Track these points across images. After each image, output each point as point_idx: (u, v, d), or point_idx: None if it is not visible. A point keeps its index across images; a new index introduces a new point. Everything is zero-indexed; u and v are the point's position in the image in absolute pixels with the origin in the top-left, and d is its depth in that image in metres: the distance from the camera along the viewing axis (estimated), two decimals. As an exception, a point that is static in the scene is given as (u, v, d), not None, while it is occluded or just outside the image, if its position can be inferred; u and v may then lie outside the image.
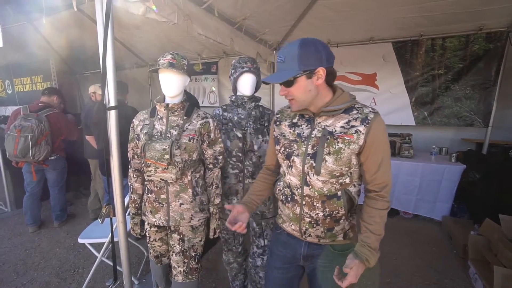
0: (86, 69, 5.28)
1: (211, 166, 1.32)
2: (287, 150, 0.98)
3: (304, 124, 0.97)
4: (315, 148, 0.91)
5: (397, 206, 3.04)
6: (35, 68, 4.03)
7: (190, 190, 1.23)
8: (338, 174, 0.91)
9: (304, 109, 0.95)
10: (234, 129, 1.41)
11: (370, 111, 0.89)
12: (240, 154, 1.42)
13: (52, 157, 2.63)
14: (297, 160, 0.95)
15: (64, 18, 3.69)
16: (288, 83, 0.89)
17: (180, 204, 1.23)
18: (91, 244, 1.91)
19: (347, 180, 0.93)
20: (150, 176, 1.17)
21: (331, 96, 0.92)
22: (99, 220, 1.58)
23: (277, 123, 1.07)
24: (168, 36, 3.46)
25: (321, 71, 0.85)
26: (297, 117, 1.01)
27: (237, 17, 2.60)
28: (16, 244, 2.62)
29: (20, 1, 2.69)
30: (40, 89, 3.63)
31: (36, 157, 2.41)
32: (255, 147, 1.42)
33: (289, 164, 0.98)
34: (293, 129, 0.99)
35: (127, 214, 1.51)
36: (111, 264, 1.68)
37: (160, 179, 1.17)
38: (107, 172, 1.48)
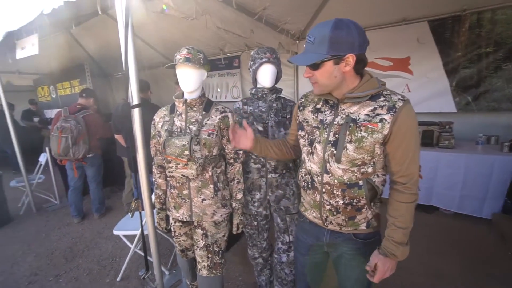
0: (117, 71, 5.59)
1: (232, 161, 1.30)
2: (310, 136, 0.96)
3: (327, 110, 0.93)
4: (336, 135, 0.89)
5: (437, 203, 2.77)
6: (73, 72, 4.36)
7: (211, 186, 1.23)
8: (360, 163, 0.87)
9: (327, 94, 0.91)
10: (255, 123, 1.37)
11: (399, 98, 0.82)
12: (262, 148, 1.37)
13: (90, 155, 2.83)
14: (319, 147, 0.93)
15: (94, 24, 3.93)
16: (314, 66, 0.85)
17: (202, 200, 1.23)
18: (125, 236, 2.03)
19: (370, 170, 0.89)
20: (171, 172, 1.19)
21: (358, 82, 0.86)
22: (129, 214, 1.66)
23: (301, 108, 1.04)
24: (190, 33, 3.50)
25: (351, 58, 0.80)
26: (321, 103, 0.97)
27: (257, 8, 2.52)
28: (65, 233, 2.89)
29: (55, 12, 2.88)
30: (77, 92, 3.91)
31: (76, 155, 2.61)
32: (277, 141, 1.36)
33: (310, 150, 0.96)
34: (316, 115, 0.96)
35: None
36: (143, 255, 1.76)
37: (182, 175, 1.18)
38: (134, 169, 1.54)
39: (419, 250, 2.21)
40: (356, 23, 0.81)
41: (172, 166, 1.16)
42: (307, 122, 0.99)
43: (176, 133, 1.21)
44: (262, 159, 1.39)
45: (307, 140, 0.98)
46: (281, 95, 1.47)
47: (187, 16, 1.83)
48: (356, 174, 0.89)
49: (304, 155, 1.03)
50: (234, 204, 1.33)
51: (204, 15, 1.96)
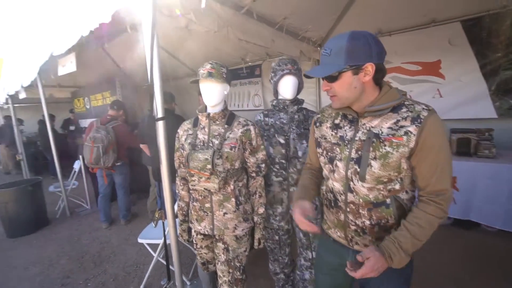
0: (144, 81, 5.85)
1: (253, 174, 1.29)
2: (329, 154, 0.92)
3: (347, 125, 0.89)
4: (359, 152, 0.84)
5: (477, 219, 2.51)
6: (104, 85, 4.66)
7: (233, 200, 1.22)
8: (386, 180, 0.82)
9: (346, 108, 0.87)
10: (276, 135, 1.35)
11: (423, 108, 0.77)
12: (283, 161, 1.35)
13: (118, 163, 2.98)
14: (340, 165, 0.88)
15: (125, 39, 4.18)
16: (332, 78, 0.82)
17: (224, 214, 1.23)
18: (148, 244, 2.08)
19: (397, 187, 0.83)
20: (194, 185, 1.20)
21: (377, 94, 0.82)
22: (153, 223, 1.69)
23: (317, 124, 1.00)
24: (212, 44, 3.59)
25: (370, 67, 0.77)
26: (339, 118, 0.93)
27: (277, 17, 2.53)
28: (94, 237, 3.04)
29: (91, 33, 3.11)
30: (108, 103, 4.16)
31: (106, 164, 2.76)
32: (299, 153, 1.33)
33: (332, 168, 0.91)
34: (335, 131, 0.92)
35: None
36: (166, 264, 1.79)
37: (204, 188, 1.18)
38: (158, 179, 1.58)
39: (456, 269, 2.02)
40: (372, 34, 0.79)
41: (195, 180, 1.18)
42: (325, 138, 0.95)
43: (199, 146, 1.22)
44: (283, 172, 1.36)
45: (326, 158, 0.94)
46: (303, 106, 1.43)
47: (209, 30, 1.88)
48: (382, 192, 0.83)
49: (325, 172, 0.98)
50: (255, 218, 1.31)
51: (226, 27, 2.00)
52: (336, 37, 0.81)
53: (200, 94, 4.60)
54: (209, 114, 1.23)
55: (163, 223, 1.70)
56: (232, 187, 1.22)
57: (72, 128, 6.20)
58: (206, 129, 1.24)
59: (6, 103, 5.28)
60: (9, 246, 3.00)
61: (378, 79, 0.83)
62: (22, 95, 4.40)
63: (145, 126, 2.46)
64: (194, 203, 1.28)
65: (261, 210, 1.30)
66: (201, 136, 1.24)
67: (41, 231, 3.30)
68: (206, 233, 1.27)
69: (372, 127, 0.83)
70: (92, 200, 3.93)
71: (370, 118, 0.84)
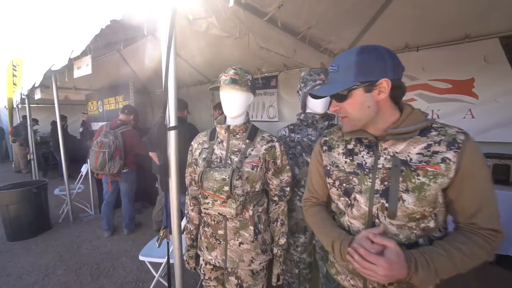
0: (158, 87, 5.88)
1: (276, 198, 1.11)
2: (345, 185, 0.79)
3: (363, 151, 0.77)
4: (385, 183, 0.72)
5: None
6: (118, 89, 4.64)
7: (251, 228, 1.04)
8: (419, 216, 0.70)
9: (359, 130, 0.75)
10: (304, 154, 1.17)
11: (458, 131, 0.68)
12: (310, 184, 1.16)
13: (125, 170, 2.86)
14: (361, 199, 0.75)
15: (142, 45, 4.18)
16: (341, 97, 0.72)
17: (240, 243, 1.04)
18: (150, 262, 1.90)
19: (431, 224, 0.70)
20: (207, 209, 1.03)
21: (398, 115, 0.73)
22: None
23: (325, 148, 0.86)
24: (228, 52, 3.51)
25: (385, 83, 0.68)
26: (353, 142, 0.79)
27: (301, 27, 2.41)
28: (95, 247, 2.89)
29: (106, 33, 3.09)
30: (120, 108, 4.12)
31: (111, 170, 2.63)
32: (329, 176, 1.14)
33: (349, 202, 0.78)
34: (350, 158, 0.79)
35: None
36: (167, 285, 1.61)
37: (218, 213, 1.01)
38: (165, 195, 1.42)
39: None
40: (385, 47, 0.70)
41: (209, 203, 1.01)
42: (337, 166, 0.81)
43: (215, 163, 1.06)
44: (309, 197, 1.18)
45: (340, 189, 0.80)
46: (333, 122, 1.26)
47: (230, 35, 1.76)
48: (415, 231, 0.70)
49: (340, 207, 0.83)
50: (275, 250, 1.12)
51: (247, 34, 1.88)
52: (343, 53, 0.73)
53: (215, 106, 4.48)
54: (228, 126, 1.07)
55: (167, 243, 1.53)
56: (251, 212, 1.04)
57: (80, 130, 6.21)
58: (225, 144, 1.08)
59: (22, 103, 5.37)
60: (7, 250, 2.89)
61: (397, 97, 0.73)
62: (37, 96, 4.43)
63: (155, 134, 2.34)
64: (205, 228, 1.10)
65: (283, 241, 1.11)
66: (218, 151, 1.08)
67: (42, 236, 3.18)
68: (217, 264, 1.09)
69: (396, 152, 0.71)
70: (96, 205, 3.82)
71: (392, 142, 0.72)
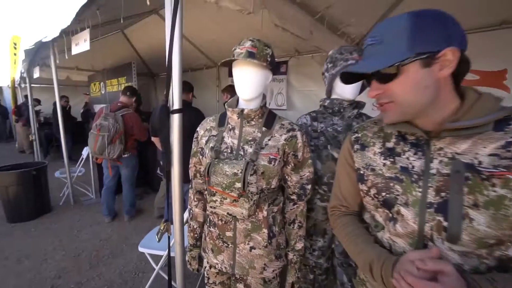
0: (162, 71, 5.67)
1: (294, 197, 0.96)
2: (384, 194, 0.62)
3: (409, 150, 0.60)
4: (443, 194, 0.54)
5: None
6: (121, 70, 4.46)
7: (265, 231, 0.89)
8: (494, 241, 0.51)
9: (404, 123, 0.59)
10: (328, 147, 1.01)
11: None
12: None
13: (125, 155, 2.73)
14: (408, 213, 0.57)
15: (146, 24, 3.96)
16: (385, 77, 0.55)
17: (251, 248, 0.90)
18: (150, 254, 1.80)
19: (511, 252, 0.52)
20: (214, 208, 0.88)
21: (458, 103, 0.55)
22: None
23: (356, 147, 0.69)
24: (237, 34, 3.28)
25: (450, 55, 0.50)
26: (394, 139, 0.63)
27: (320, 6, 2.18)
28: (95, 232, 2.82)
29: (111, 11, 2.88)
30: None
31: (111, 155, 2.50)
32: (356, 174, 0.98)
33: (391, 216, 0.62)
34: (391, 159, 0.62)
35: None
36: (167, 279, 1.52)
37: (227, 213, 0.86)
38: (167, 185, 1.29)
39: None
40: (445, 12, 0.51)
41: (216, 201, 0.86)
42: (373, 170, 0.65)
43: (225, 154, 0.90)
44: (332, 196, 1.02)
45: (378, 199, 0.63)
46: (363, 112, 1.09)
47: (243, 9, 1.56)
48: (486, 261, 0.53)
49: (377, 218, 0.66)
50: (290, 256, 0.98)
51: (262, 9, 1.67)
52: (389, 19, 0.56)
53: (224, 89, 4.22)
54: (242, 110, 0.90)
55: (168, 237, 1.41)
56: (265, 213, 0.89)
57: (81, 110, 6.08)
58: (237, 131, 0.92)
59: (24, 82, 5.23)
60: (7, 232, 2.83)
61: (460, 77, 0.55)
62: (36, 74, 4.27)
63: (156, 117, 2.17)
64: (211, 229, 0.96)
65: (299, 246, 0.97)
66: (229, 140, 0.92)
67: (42, 219, 3.11)
68: (224, 270, 0.95)
69: (457, 153, 0.54)
70: (98, 189, 3.73)
71: (450, 139, 0.55)
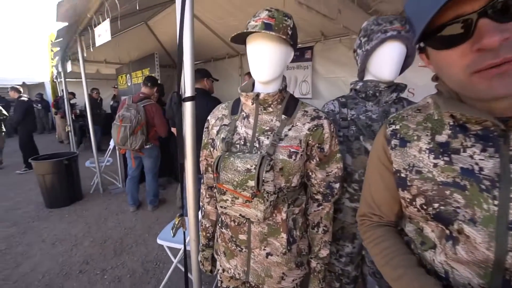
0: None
1: (319, 197, 0.82)
2: (437, 205, 0.46)
3: (474, 145, 0.44)
4: None
5: None
6: (145, 62, 4.52)
7: (283, 236, 0.77)
8: None
9: (466, 105, 0.44)
10: (361, 138, 0.85)
11: None
12: (366, 180, 0.85)
13: (147, 146, 2.74)
14: (477, 235, 0.42)
15: (168, 14, 3.92)
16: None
17: (267, 254, 0.79)
18: (169, 247, 1.79)
19: None
20: (225, 208, 0.77)
21: None
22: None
23: (395, 143, 0.54)
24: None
25: None
26: (448, 130, 0.48)
27: (350, -22, 1.94)
28: (120, 221, 2.91)
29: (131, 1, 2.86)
30: (144, 81, 4.01)
31: (133, 146, 2.52)
32: (396, 171, 0.81)
33: (448, 233, 0.47)
34: (445, 157, 0.46)
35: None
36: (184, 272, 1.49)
37: (240, 214, 0.75)
38: (180, 180, 1.22)
39: None
40: None
41: (227, 200, 0.75)
42: (419, 172, 0.49)
43: (238, 146, 0.78)
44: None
45: (427, 211, 0.48)
46: (403, 96, 0.90)
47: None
48: None
49: (427, 233, 0.51)
50: (314, 264, 0.85)
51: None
52: None
53: (246, 74, 3.99)
54: (257, 95, 0.76)
55: (184, 233, 1.36)
56: (284, 215, 0.77)
57: (111, 103, 6.33)
58: (251, 120, 0.79)
59: (60, 77, 5.55)
60: (45, 216, 3.04)
61: None
62: (69, 68, 4.47)
63: (168, 108, 2.10)
64: (223, 230, 0.86)
65: (324, 253, 0.83)
66: (243, 130, 0.80)
67: (74, 206, 3.30)
68: (237, 276, 0.85)
69: None
70: (124, 179, 3.87)
71: None
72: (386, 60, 0.80)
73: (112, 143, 3.84)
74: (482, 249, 0.42)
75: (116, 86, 6.42)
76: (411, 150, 0.51)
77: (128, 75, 5.43)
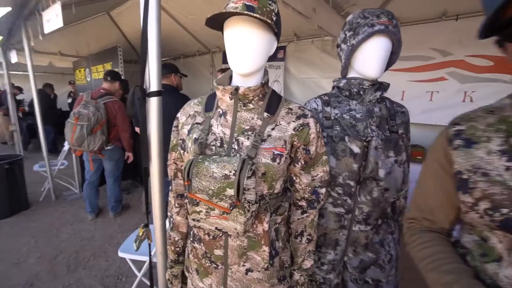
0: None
1: (303, 204, 0.75)
2: (506, 211, 0.44)
3: None
4: None
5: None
6: (107, 56, 4.15)
7: (265, 249, 0.68)
8: None
9: None
10: (346, 138, 0.79)
11: None
12: (351, 183, 0.80)
13: (108, 147, 2.48)
14: None
15: (135, 5, 3.62)
16: None
17: (247, 271, 0.69)
18: (132, 259, 1.60)
19: None
20: (197, 220, 0.66)
21: None
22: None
23: (458, 143, 0.52)
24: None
25: None
26: None
27: (325, -23, 1.94)
28: (76, 231, 2.59)
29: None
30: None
31: (91, 147, 2.25)
32: (381, 173, 0.78)
33: None
34: None
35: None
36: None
37: (216, 228, 0.64)
38: (145, 187, 1.07)
39: None
40: None
41: (200, 212, 0.63)
42: (485, 175, 0.47)
43: (214, 148, 0.68)
44: (348, 200, 0.82)
45: (491, 217, 0.46)
46: (385, 96, 0.88)
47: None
48: None
49: (493, 244, 0.48)
50: (296, 276, 0.77)
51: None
52: None
53: (221, 70, 3.84)
54: (236, 89, 0.67)
55: (149, 245, 1.21)
56: (266, 226, 0.68)
57: (69, 101, 5.73)
58: (229, 117, 0.69)
59: (1, 68, 4.85)
60: (-22, 231, 2.58)
61: None
62: (14, 59, 3.92)
63: (129, 105, 1.90)
64: (195, 245, 0.74)
65: (308, 264, 0.76)
66: (219, 129, 0.69)
67: (18, 216, 2.86)
68: (212, 296, 0.74)
69: None
70: (82, 183, 3.48)
71: None
72: (372, 56, 0.76)
73: (66, 144, 3.44)
74: None
75: (73, 82, 5.81)
76: (478, 152, 0.48)
77: (87, 69, 4.94)
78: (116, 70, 3.78)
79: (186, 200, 0.64)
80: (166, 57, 5.25)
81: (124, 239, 1.85)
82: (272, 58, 3.71)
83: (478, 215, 0.47)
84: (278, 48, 3.67)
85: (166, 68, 2.09)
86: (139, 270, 1.62)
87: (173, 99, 1.80)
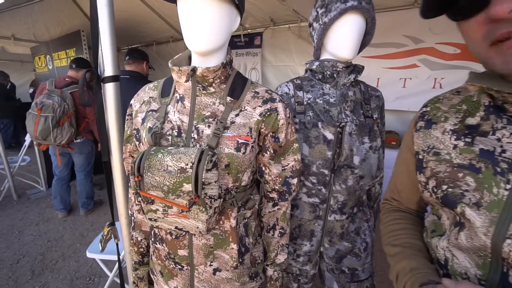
0: (124, 43, 5.01)
1: (275, 196, 0.70)
2: (445, 187, 0.44)
3: (504, 128, 0.41)
4: None
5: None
6: (69, 41, 3.80)
7: (234, 246, 0.63)
8: None
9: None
10: (319, 124, 0.75)
11: None
12: (326, 172, 0.77)
13: (78, 140, 2.30)
14: (477, 219, 0.40)
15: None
16: None
17: (215, 270, 0.64)
18: (102, 259, 1.50)
19: None
20: (155, 220, 0.59)
21: None
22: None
23: (420, 125, 0.52)
24: None
25: None
26: (482, 112, 0.44)
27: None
28: (41, 232, 2.41)
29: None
30: (70, 63, 3.36)
31: (58, 140, 2.07)
32: (356, 160, 0.75)
33: (458, 221, 0.44)
34: (467, 139, 0.44)
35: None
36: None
37: (176, 227, 0.58)
38: (107, 182, 0.98)
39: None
40: None
41: (157, 211, 0.57)
42: (436, 154, 0.48)
43: (170, 138, 0.60)
44: (322, 190, 0.79)
45: (435, 194, 0.46)
46: (360, 79, 0.84)
47: None
48: None
49: (443, 220, 0.49)
50: (270, 272, 0.74)
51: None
52: None
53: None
54: (194, 70, 0.59)
55: (117, 245, 1.13)
56: (233, 222, 0.63)
57: (30, 91, 5.24)
58: (187, 103, 0.62)
59: None
60: None
61: None
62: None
63: (81, 92, 1.73)
64: (157, 245, 0.68)
65: (282, 258, 0.73)
66: (176, 116, 0.61)
67: (-26, 219, 2.61)
68: (180, 299, 0.68)
69: None
70: (49, 180, 3.23)
71: None
72: (345, 35, 0.72)
73: (28, 138, 3.14)
74: (480, 235, 0.40)
75: (35, 70, 5.30)
76: (435, 132, 0.49)
77: (48, 56, 4.51)
78: (81, 56, 3.49)
79: (141, 199, 0.56)
80: (137, 44, 4.94)
81: (95, 239, 1.74)
82: (249, 45, 3.61)
83: (429, 193, 0.48)
84: (255, 35, 3.57)
85: (139, 53, 1.96)
86: (111, 270, 1.54)
87: (141, 86, 1.68)
